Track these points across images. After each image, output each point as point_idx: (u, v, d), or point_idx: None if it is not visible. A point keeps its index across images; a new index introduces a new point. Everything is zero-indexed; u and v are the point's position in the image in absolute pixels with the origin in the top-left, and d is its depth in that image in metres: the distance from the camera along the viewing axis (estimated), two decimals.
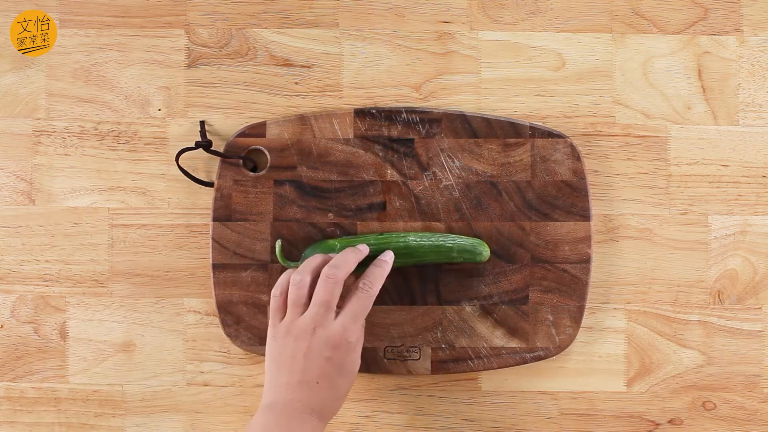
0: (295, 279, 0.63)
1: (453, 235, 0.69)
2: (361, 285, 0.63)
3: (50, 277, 0.72)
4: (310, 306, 0.62)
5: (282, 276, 0.65)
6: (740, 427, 0.73)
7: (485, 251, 0.69)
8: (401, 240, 0.68)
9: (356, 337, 0.62)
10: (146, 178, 0.72)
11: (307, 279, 0.63)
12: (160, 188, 0.72)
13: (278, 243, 0.69)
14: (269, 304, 0.66)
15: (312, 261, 0.65)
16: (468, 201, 0.71)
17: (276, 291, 0.64)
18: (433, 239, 0.69)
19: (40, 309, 0.72)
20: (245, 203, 0.71)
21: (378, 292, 0.64)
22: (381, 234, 0.69)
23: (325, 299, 0.62)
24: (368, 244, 0.68)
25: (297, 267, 0.68)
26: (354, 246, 0.67)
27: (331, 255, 0.66)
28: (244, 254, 0.70)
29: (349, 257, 0.64)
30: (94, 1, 0.73)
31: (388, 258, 0.66)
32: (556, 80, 0.73)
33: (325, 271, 0.63)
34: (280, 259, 0.69)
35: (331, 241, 0.69)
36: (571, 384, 0.73)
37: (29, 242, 0.72)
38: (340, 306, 0.63)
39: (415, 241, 0.68)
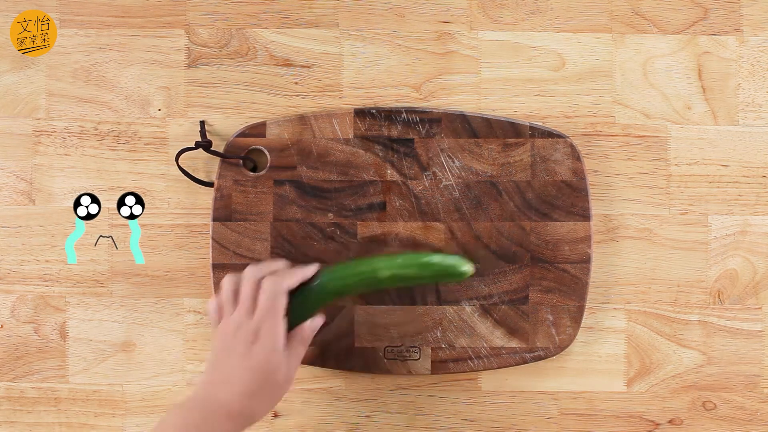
0: (224, 284, 0.64)
1: (434, 257, 0.66)
2: (265, 280, 0.63)
3: (50, 277, 0.72)
4: (237, 306, 0.62)
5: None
6: (740, 427, 0.73)
7: (467, 269, 0.65)
8: (368, 272, 0.66)
9: (269, 332, 0.61)
10: (146, 178, 0.72)
11: (235, 280, 0.64)
12: (160, 188, 0.72)
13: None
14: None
15: (248, 269, 0.65)
16: (468, 201, 0.71)
17: (210, 304, 0.64)
18: (407, 266, 0.65)
19: (40, 309, 0.72)
20: (245, 203, 0.71)
21: (287, 289, 0.63)
22: (350, 261, 0.67)
23: (243, 297, 0.62)
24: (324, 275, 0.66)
25: None
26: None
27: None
28: (244, 254, 0.70)
29: (276, 262, 0.66)
30: (94, 1, 0.73)
31: (309, 268, 0.66)
32: (556, 80, 0.73)
33: (246, 272, 0.64)
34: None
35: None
36: (571, 384, 0.73)
37: (29, 242, 0.72)
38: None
39: (385, 271, 0.65)
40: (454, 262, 0.65)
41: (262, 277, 0.63)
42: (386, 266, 0.65)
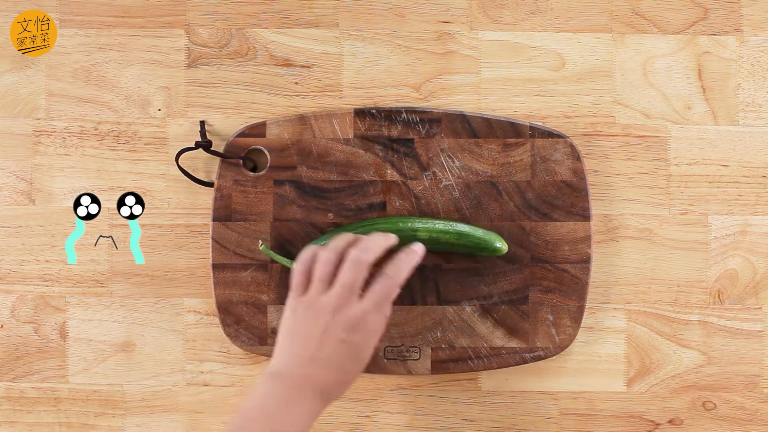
0: (323, 256, 0.62)
1: (472, 229, 0.69)
2: (387, 271, 0.62)
3: (50, 277, 0.72)
4: (335, 286, 0.61)
5: (305, 251, 0.64)
6: (740, 427, 0.73)
7: (501, 246, 0.68)
8: (412, 228, 0.68)
9: (376, 324, 0.61)
10: (146, 178, 0.72)
11: (334, 257, 0.62)
12: (160, 188, 0.72)
13: (260, 244, 0.69)
14: (291, 277, 0.64)
15: (341, 240, 0.64)
16: (468, 201, 0.71)
17: (298, 266, 0.63)
18: (446, 233, 0.68)
19: (40, 309, 0.72)
20: (245, 203, 0.71)
21: (403, 282, 0.63)
22: (386, 219, 0.69)
23: (349, 281, 0.61)
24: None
25: (291, 263, 0.68)
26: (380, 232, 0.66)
27: (360, 236, 0.65)
28: (244, 254, 0.70)
29: (379, 242, 0.63)
30: (94, 1, 0.73)
31: (418, 249, 0.65)
32: (556, 80, 0.73)
33: (352, 253, 0.62)
34: (275, 256, 0.69)
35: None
36: (571, 384, 0.73)
37: (29, 242, 0.72)
38: (364, 291, 0.62)
39: (424, 233, 0.68)
40: (490, 237, 0.68)
41: (369, 261, 0.62)
42: (426, 229, 0.68)
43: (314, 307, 0.61)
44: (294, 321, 0.61)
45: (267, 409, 0.58)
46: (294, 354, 0.60)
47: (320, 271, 0.62)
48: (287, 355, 0.61)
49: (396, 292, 0.62)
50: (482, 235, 0.68)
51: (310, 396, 0.59)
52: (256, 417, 0.58)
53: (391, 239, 0.65)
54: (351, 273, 0.61)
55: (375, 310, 0.61)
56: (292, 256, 0.70)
